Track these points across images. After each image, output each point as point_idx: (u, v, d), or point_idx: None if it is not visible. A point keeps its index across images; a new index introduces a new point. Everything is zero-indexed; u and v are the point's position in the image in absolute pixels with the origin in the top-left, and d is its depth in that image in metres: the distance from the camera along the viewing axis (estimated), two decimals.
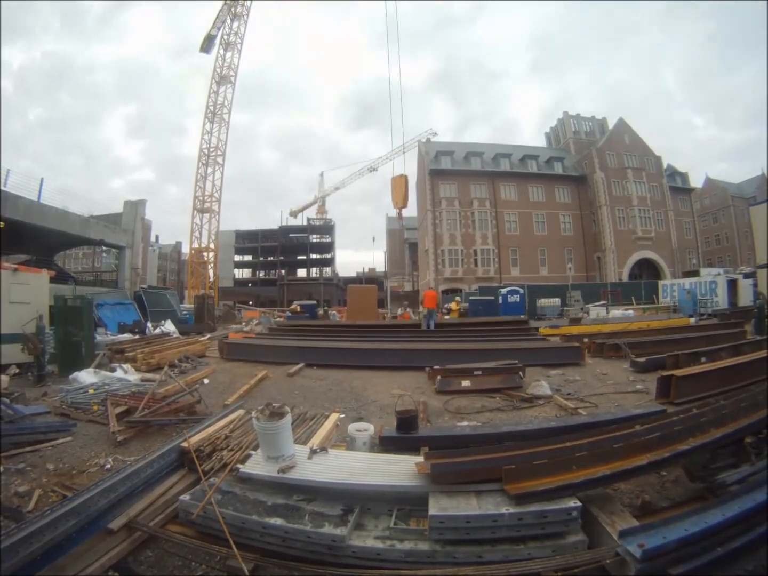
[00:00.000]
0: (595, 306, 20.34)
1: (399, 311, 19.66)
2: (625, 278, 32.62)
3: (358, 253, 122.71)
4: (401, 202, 18.47)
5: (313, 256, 59.06)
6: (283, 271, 54.93)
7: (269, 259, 57.75)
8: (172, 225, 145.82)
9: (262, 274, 60.29)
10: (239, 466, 2.90)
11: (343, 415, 4.74)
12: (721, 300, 18.85)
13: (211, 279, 34.98)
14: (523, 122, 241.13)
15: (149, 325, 13.70)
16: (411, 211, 46.36)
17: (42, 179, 16.59)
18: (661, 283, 24.32)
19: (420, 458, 2.76)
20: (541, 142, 48.09)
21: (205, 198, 33.46)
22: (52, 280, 9.77)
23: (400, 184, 18.47)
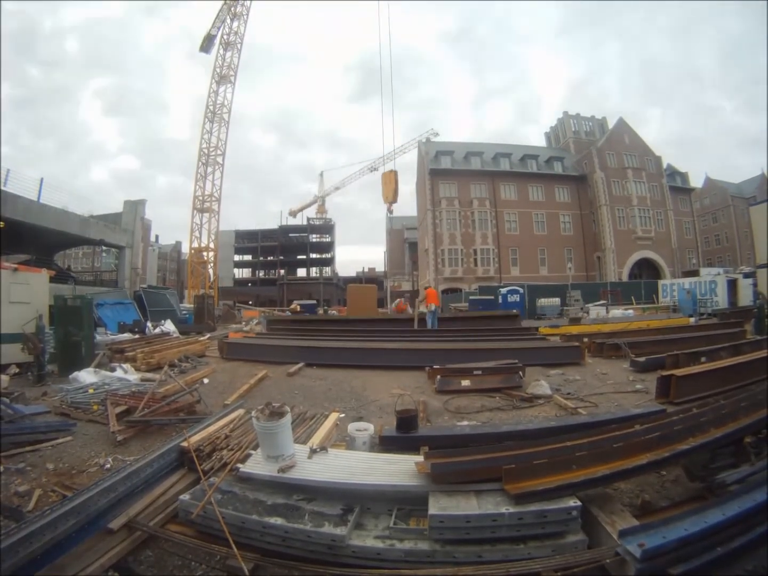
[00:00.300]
0: (595, 306, 20.34)
1: (394, 304, 19.67)
2: (624, 278, 32.65)
3: (360, 248, 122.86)
4: (391, 196, 18.95)
5: (313, 255, 59.08)
6: (282, 271, 54.92)
7: (269, 258, 57.77)
8: (162, 218, 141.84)
9: (261, 273, 60.30)
10: (239, 465, 2.89)
11: (342, 415, 4.74)
12: (721, 300, 18.87)
13: (211, 279, 34.98)
14: (547, 99, 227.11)
15: (149, 324, 13.70)
16: (411, 210, 46.53)
17: (42, 179, 16.64)
18: (660, 282, 24.35)
19: (420, 458, 2.75)
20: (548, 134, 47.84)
21: (205, 198, 33.46)
22: (52, 279, 9.76)
23: (390, 179, 18.94)
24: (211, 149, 33.46)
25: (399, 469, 2.70)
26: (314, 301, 22.22)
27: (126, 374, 6.60)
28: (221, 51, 33.42)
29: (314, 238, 58.69)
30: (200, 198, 33.41)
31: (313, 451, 2.98)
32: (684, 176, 41.13)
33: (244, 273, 61.74)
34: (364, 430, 3.52)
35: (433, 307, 12.38)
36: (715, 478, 2.60)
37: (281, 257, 56.26)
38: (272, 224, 57.70)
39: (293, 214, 62.18)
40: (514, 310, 14.07)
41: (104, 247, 21.27)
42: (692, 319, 14.63)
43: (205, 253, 34.43)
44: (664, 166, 37.96)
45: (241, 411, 4.29)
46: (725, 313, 15.72)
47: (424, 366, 6.77)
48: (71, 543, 2.25)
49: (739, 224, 45.54)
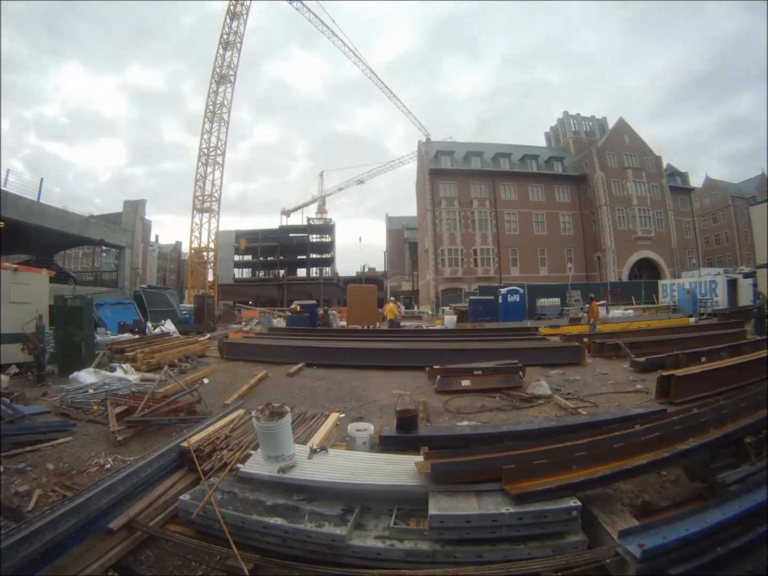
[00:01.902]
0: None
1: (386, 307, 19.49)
2: (624, 278, 32.62)
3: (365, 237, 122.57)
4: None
5: (313, 255, 59.08)
6: (282, 272, 54.91)
7: (269, 258, 57.77)
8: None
9: (261, 273, 60.29)
10: (239, 465, 2.89)
11: (342, 415, 4.74)
12: (721, 300, 18.85)
13: (211, 279, 34.94)
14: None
15: (149, 324, 13.71)
16: (411, 210, 46.51)
17: (42, 179, 16.63)
18: (660, 282, 24.34)
19: (420, 458, 2.75)
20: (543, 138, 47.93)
21: (205, 198, 33.43)
22: (52, 279, 9.76)
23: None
24: (210, 149, 33.41)
25: (399, 470, 2.69)
26: (314, 302, 22.10)
27: (126, 374, 6.60)
28: (221, 50, 33.37)
29: (314, 238, 58.71)
30: (200, 198, 33.37)
31: (313, 451, 2.98)
32: (684, 176, 41.11)
33: (245, 273, 61.74)
34: (364, 430, 3.52)
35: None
36: (715, 478, 2.60)
37: (281, 257, 56.25)
38: (272, 225, 57.84)
39: (287, 213, 62.45)
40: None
41: (104, 247, 21.23)
42: (692, 319, 14.64)
43: (204, 253, 34.40)
44: (664, 166, 37.96)
45: (241, 411, 4.29)
46: (725, 313, 15.73)
47: (424, 366, 6.77)
48: (71, 543, 2.24)
49: (739, 224, 45.54)
